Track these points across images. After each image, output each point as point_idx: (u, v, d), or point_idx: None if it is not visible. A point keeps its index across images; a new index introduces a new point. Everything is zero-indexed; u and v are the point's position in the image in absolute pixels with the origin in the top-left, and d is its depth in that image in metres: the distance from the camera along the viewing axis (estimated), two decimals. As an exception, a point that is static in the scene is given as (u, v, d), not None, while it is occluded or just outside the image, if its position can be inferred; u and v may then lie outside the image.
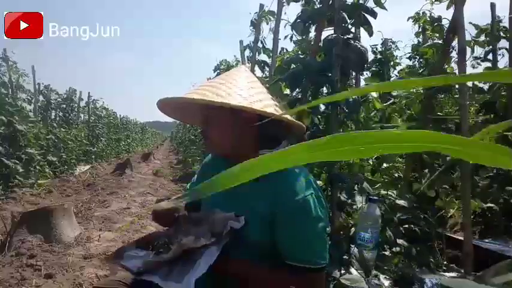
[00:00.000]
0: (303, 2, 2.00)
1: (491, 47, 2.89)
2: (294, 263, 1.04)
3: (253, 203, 1.08)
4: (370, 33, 1.78)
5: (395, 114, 2.44)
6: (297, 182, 1.06)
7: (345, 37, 1.69)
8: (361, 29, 1.80)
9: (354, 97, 1.67)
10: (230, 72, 1.24)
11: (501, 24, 2.95)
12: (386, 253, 1.70)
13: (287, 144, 1.18)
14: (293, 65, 1.89)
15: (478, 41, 2.63)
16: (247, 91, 1.09)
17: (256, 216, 1.06)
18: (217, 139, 1.14)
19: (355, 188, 1.62)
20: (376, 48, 4.34)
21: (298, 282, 1.01)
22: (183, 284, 0.91)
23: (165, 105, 1.21)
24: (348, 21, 1.75)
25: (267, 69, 3.83)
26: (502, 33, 2.88)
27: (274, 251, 1.06)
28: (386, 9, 1.76)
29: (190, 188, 1.38)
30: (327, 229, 1.13)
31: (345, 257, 1.42)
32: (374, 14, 1.73)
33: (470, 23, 2.71)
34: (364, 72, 2.08)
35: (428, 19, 2.29)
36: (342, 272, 1.35)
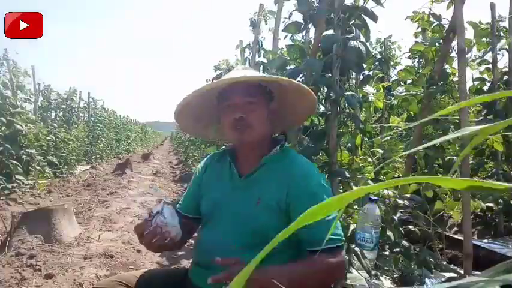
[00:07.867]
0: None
1: (490, 47, 2.88)
2: (315, 247, 1.05)
3: (266, 191, 1.12)
4: (367, 38, 1.77)
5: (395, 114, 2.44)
6: (310, 170, 1.15)
7: (345, 37, 1.68)
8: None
9: (352, 94, 1.67)
10: (239, 67, 1.33)
11: (501, 24, 2.95)
12: (386, 253, 1.70)
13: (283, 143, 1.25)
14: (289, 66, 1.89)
15: (481, 42, 2.62)
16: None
17: (272, 203, 1.09)
18: (257, 125, 1.15)
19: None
20: (376, 48, 4.34)
21: (327, 262, 1.03)
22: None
23: (185, 115, 1.26)
24: (348, 22, 1.73)
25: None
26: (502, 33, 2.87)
27: (293, 241, 1.08)
28: (383, 7, 1.75)
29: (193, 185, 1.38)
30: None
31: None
32: (374, 17, 1.71)
33: (470, 22, 2.69)
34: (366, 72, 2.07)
35: (426, 18, 2.29)
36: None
